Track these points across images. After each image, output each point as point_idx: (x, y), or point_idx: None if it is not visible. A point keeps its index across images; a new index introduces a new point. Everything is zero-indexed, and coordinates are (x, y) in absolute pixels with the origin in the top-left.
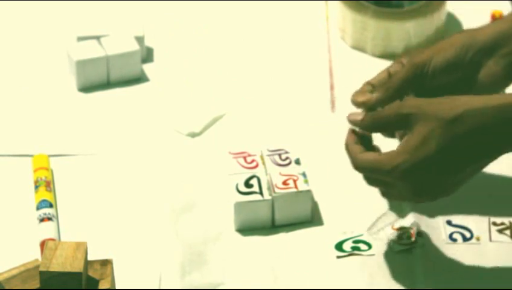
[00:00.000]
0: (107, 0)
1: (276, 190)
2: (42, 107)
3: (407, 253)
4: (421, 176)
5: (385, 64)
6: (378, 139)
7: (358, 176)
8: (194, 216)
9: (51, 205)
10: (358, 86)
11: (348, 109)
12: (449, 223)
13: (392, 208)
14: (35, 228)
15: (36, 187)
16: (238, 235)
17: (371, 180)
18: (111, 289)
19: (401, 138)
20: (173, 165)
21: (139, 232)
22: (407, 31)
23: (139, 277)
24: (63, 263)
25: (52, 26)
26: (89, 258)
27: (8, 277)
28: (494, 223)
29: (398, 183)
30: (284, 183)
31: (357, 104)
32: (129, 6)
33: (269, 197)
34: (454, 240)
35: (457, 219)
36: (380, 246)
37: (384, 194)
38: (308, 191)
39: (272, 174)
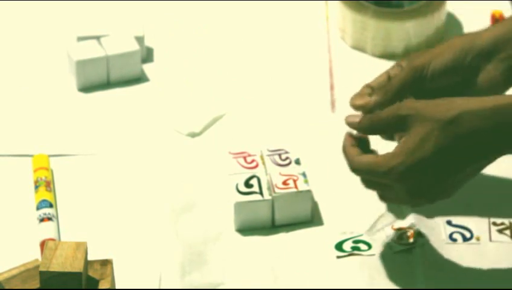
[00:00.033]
0: (107, 0)
1: (276, 190)
2: (42, 107)
3: (407, 253)
4: (418, 177)
5: (385, 64)
6: (377, 142)
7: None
8: (194, 216)
9: (51, 205)
10: (358, 86)
11: (348, 109)
12: (449, 223)
13: (392, 209)
14: (35, 228)
15: (36, 187)
16: (238, 235)
17: (368, 183)
18: (111, 289)
19: (400, 140)
20: (173, 165)
21: (139, 232)
22: (407, 31)
23: (139, 277)
24: (63, 263)
25: (52, 26)
26: (89, 258)
27: (8, 277)
28: (494, 223)
29: (395, 185)
30: (284, 183)
31: (355, 107)
32: (129, 6)
33: (269, 197)
34: (454, 240)
35: (457, 219)
36: (380, 246)
37: (381, 197)
38: (308, 191)
39: (272, 174)
